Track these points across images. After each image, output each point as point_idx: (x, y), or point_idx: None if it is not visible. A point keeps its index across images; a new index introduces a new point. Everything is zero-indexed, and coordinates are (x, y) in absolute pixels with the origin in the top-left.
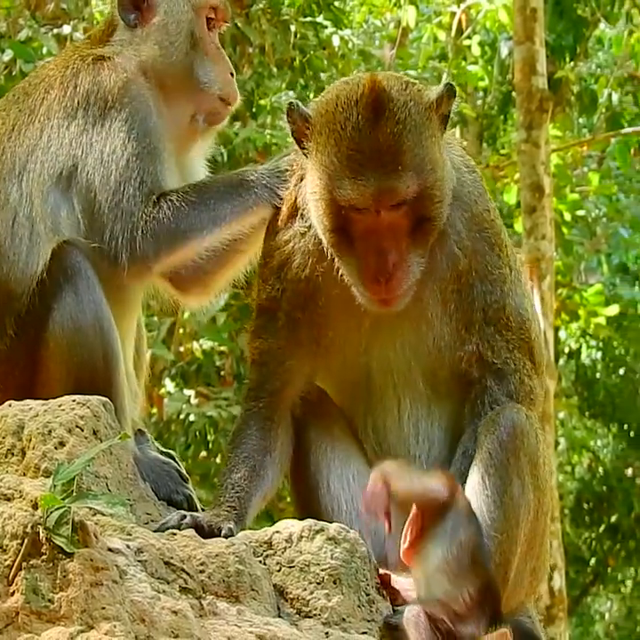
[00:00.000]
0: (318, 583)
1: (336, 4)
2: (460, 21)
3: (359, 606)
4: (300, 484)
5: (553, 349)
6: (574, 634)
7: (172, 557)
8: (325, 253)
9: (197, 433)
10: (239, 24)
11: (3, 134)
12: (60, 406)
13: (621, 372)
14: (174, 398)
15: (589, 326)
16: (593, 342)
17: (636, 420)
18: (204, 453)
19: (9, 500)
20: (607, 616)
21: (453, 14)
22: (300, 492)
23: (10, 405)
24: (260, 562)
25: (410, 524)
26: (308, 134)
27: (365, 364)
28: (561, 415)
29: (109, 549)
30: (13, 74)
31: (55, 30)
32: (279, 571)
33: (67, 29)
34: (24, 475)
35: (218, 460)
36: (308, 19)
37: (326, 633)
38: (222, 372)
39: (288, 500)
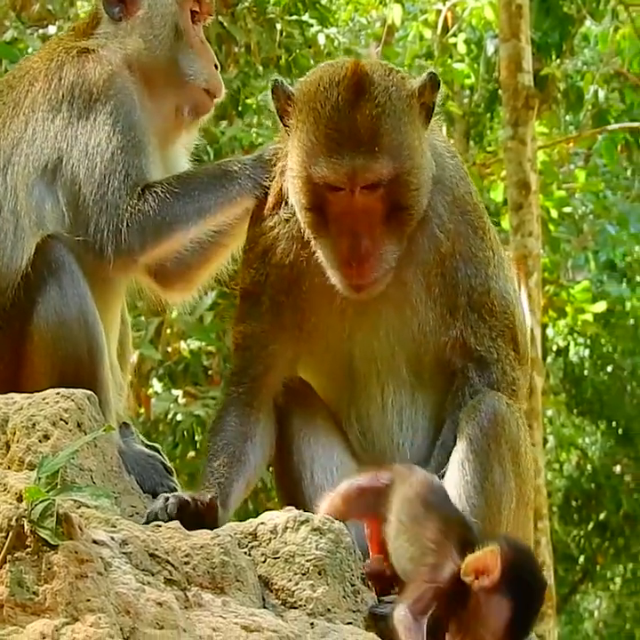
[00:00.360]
0: (303, 574)
1: (322, 2)
2: (445, 19)
3: (344, 597)
4: (283, 474)
5: (540, 347)
6: (563, 632)
7: (156, 549)
8: (309, 240)
9: (185, 432)
10: (225, 23)
11: None
12: (44, 399)
13: (609, 369)
14: (162, 398)
15: (577, 323)
16: (580, 339)
17: (623, 417)
18: (191, 453)
19: None
20: (596, 613)
21: (439, 12)
22: (285, 483)
23: None
24: (245, 553)
25: (369, 539)
26: (290, 112)
27: (348, 351)
28: (549, 413)
29: (94, 541)
30: None
31: (41, 31)
32: (264, 562)
33: (52, 30)
34: (8, 468)
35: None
36: (294, 17)
37: (311, 623)
38: (210, 372)
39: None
